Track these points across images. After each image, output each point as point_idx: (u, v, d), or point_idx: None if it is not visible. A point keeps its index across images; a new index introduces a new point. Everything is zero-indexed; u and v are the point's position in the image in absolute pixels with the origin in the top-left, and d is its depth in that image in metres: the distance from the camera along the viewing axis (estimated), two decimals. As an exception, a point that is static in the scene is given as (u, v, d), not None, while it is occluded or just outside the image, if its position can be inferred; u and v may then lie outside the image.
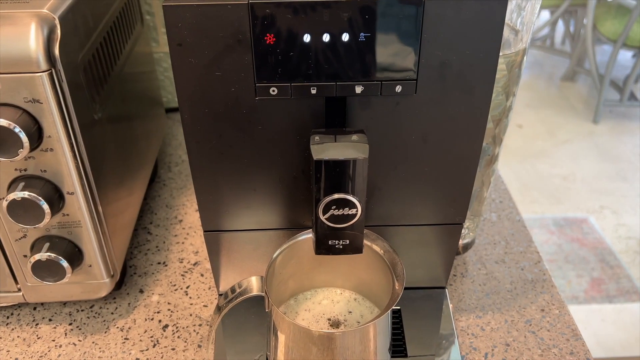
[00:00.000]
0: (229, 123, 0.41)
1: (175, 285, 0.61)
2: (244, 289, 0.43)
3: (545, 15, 3.26)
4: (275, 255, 0.44)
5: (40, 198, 0.45)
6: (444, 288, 0.55)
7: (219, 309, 0.44)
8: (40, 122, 0.43)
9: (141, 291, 0.60)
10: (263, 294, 0.42)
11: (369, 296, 0.51)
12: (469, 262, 0.64)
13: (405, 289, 0.54)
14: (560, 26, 3.26)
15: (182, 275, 0.62)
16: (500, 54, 0.48)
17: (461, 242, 0.62)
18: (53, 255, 0.48)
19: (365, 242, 0.45)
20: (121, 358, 0.53)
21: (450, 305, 0.56)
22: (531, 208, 2.23)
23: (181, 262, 0.64)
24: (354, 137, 0.38)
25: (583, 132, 2.73)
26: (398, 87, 0.38)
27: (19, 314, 0.57)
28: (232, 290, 0.44)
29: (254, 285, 0.43)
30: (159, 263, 0.64)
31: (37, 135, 0.43)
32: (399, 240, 0.49)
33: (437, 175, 0.45)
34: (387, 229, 0.48)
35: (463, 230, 0.61)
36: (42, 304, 0.58)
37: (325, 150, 0.37)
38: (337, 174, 0.37)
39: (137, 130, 0.64)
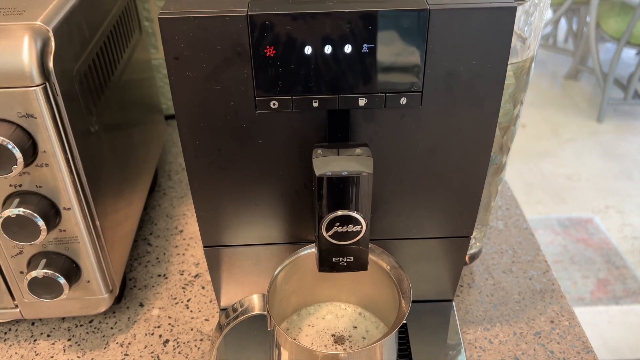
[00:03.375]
0: (228, 137, 0.39)
1: (175, 298, 0.60)
2: (245, 308, 0.42)
3: (548, 13, 3.24)
4: (277, 272, 0.43)
5: (35, 214, 0.44)
6: (451, 301, 0.54)
7: (220, 327, 0.42)
8: (34, 137, 0.42)
9: (141, 305, 0.59)
10: (265, 312, 0.41)
11: (374, 311, 0.50)
12: (475, 272, 0.62)
13: (413, 301, 0.53)
14: (563, 24, 3.24)
15: (183, 288, 0.61)
16: (508, 62, 0.47)
17: (468, 252, 0.61)
18: (50, 272, 0.47)
19: (371, 257, 0.44)
20: (121, 375, 0.52)
21: (457, 318, 0.55)
22: (536, 208, 2.22)
23: (182, 274, 0.62)
24: (358, 150, 0.37)
25: (587, 131, 2.71)
26: (403, 99, 0.37)
27: (16, 330, 0.56)
28: (234, 309, 0.42)
29: (256, 303, 0.42)
30: (159, 275, 0.62)
31: (31, 150, 0.42)
32: (405, 254, 0.48)
33: (444, 187, 0.43)
34: (393, 242, 0.47)
35: (470, 241, 0.60)
36: (40, 319, 0.57)
37: (328, 164, 0.36)
38: (341, 190, 0.36)
39: (136, 139, 0.63)
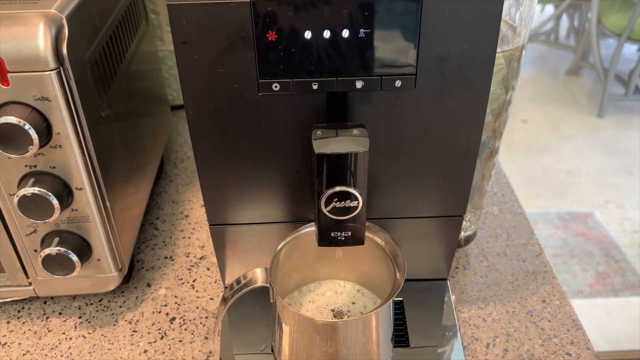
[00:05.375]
0: (233, 119, 0.42)
1: (182, 279, 0.62)
2: (248, 280, 0.44)
3: (550, 9, 3.25)
4: (279, 248, 0.45)
5: (49, 193, 0.46)
6: (445, 280, 0.56)
7: (224, 300, 0.45)
8: (49, 120, 0.44)
9: (149, 285, 0.61)
10: (267, 285, 0.43)
11: (372, 288, 0.52)
12: (471, 255, 0.64)
13: (407, 280, 0.55)
14: (565, 20, 3.25)
15: (189, 269, 0.63)
16: (499, 50, 0.49)
17: (463, 234, 0.63)
18: (63, 249, 0.49)
19: (367, 234, 0.46)
20: (130, 350, 0.54)
21: (452, 297, 0.57)
22: (536, 203, 2.23)
23: (187, 256, 0.65)
24: (355, 131, 0.39)
25: (588, 126, 2.72)
26: (398, 81, 0.39)
27: (29, 308, 0.59)
28: (237, 281, 0.45)
29: (259, 276, 0.44)
30: (166, 257, 0.65)
31: (46, 132, 0.44)
32: (400, 233, 0.50)
33: (437, 168, 0.45)
34: (389, 221, 0.49)
35: (465, 223, 0.62)
36: (52, 298, 0.60)
37: (327, 144, 0.38)
38: (339, 167, 0.38)
39: (144, 128, 0.65)
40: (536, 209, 2.19)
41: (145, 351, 0.54)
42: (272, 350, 0.49)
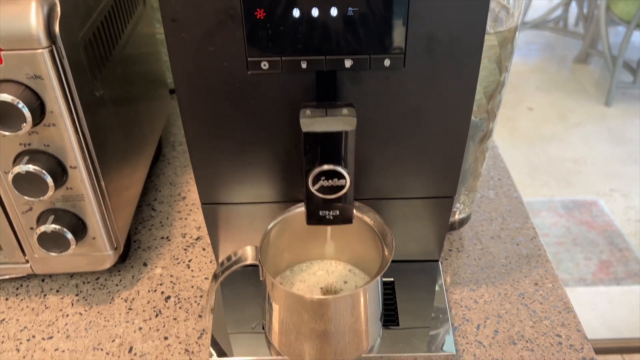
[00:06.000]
0: (223, 98, 0.42)
1: (177, 259, 0.63)
2: (238, 257, 0.45)
3: (559, -4, 3.21)
4: (269, 227, 0.46)
5: (44, 171, 0.47)
6: (437, 261, 0.57)
7: (215, 276, 0.45)
8: (42, 98, 0.45)
9: (145, 264, 0.62)
10: (257, 262, 0.44)
11: (363, 268, 0.53)
12: (465, 238, 0.65)
13: (399, 261, 0.56)
14: (574, 7, 3.21)
15: (185, 249, 0.64)
16: (492, 30, 0.49)
17: (457, 217, 0.63)
18: (58, 227, 0.50)
19: (356, 214, 0.47)
20: (125, 327, 0.55)
21: (444, 278, 0.57)
22: (541, 191, 2.23)
23: (184, 237, 0.66)
24: (344, 110, 0.40)
25: (595, 115, 2.70)
26: (387, 60, 0.39)
27: (27, 285, 0.60)
28: (228, 258, 0.45)
29: (249, 254, 0.45)
30: (163, 238, 0.65)
31: (39, 110, 0.45)
32: (391, 214, 0.50)
33: (427, 148, 0.46)
34: (380, 202, 0.49)
35: (458, 206, 0.62)
36: (50, 276, 0.61)
37: (315, 123, 0.39)
38: (326, 146, 0.38)
39: (141, 110, 0.66)
40: (540, 197, 2.18)
41: (140, 328, 0.55)
42: (263, 328, 0.50)
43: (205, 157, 0.46)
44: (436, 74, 0.41)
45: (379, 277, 0.43)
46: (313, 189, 0.40)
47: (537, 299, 0.58)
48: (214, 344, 0.49)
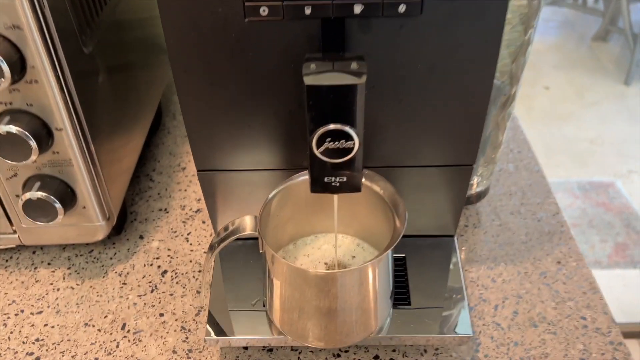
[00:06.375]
0: (217, 49, 0.38)
1: (175, 231, 0.59)
2: (236, 227, 0.41)
3: (579, -29, 3.10)
4: (270, 196, 0.42)
5: (26, 133, 0.43)
6: (452, 237, 0.52)
7: (211, 247, 0.42)
8: (22, 51, 0.41)
9: (141, 237, 0.59)
10: (256, 233, 0.40)
11: (372, 242, 0.49)
12: (482, 213, 0.60)
13: (411, 236, 0.52)
14: (594, -17, 3.10)
15: (184, 222, 0.60)
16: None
17: (474, 190, 0.59)
18: (44, 194, 0.47)
19: (365, 182, 0.42)
20: (119, 302, 0.52)
21: (460, 255, 0.53)
22: (556, 172, 2.17)
23: (183, 209, 0.62)
24: (354, 64, 0.35)
25: (613, 93, 2.62)
26: (402, 6, 0.35)
27: (17, 258, 0.57)
28: (225, 228, 0.42)
29: (248, 224, 0.41)
30: (160, 210, 0.62)
31: (19, 65, 0.41)
32: (404, 184, 0.46)
33: (445, 110, 0.41)
34: (391, 170, 0.45)
35: (476, 178, 0.58)
36: (41, 248, 0.58)
37: (320, 76, 0.34)
38: (332, 102, 0.34)
39: (137, 75, 0.62)
40: (556, 178, 2.12)
41: (135, 304, 0.52)
42: (264, 305, 0.46)
43: (199, 119, 0.41)
44: (457, 23, 0.36)
45: (389, 251, 0.39)
46: (317, 152, 0.36)
47: (560, 278, 0.54)
48: (211, 321, 0.46)
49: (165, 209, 0.62)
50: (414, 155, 0.44)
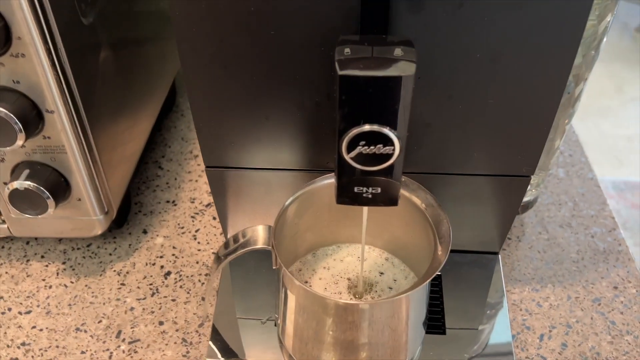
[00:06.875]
0: (232, 25, 0.31)
1: (183, 227, 0.53)
2: (247, 239, 0.35)
3: (626, -44, 2.93)
4: (287, 203, 0.36)
5: (10, 114, 0.37)
6: (496, 254, 0.46)
7: (218, 259, 0.36)
8: (6, 19, 0.35)
9: (145, 232, 0.53)
10: (270, 247, 0.34)
11: (403, 257, 0.42)
12: (527, 224, 0.53)
13: (451, 251, 0.45)
14: (641, -31, 2.93)
15: (192, 217, 0.55)
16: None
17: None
18: (32, 184, 0.41)
19: (403, 192, 0.36)
20: (114, 306, 0.47)
21: (503, 275, 0.46)
22: (601, 171, 2.06)
23: (192, 202, 0.56)
24: (398, 50, 0.28)
25: (656, 89, 2.48)
26: (463, -20, 0.28)
27: (10, 248, 0.52)
28: (235, 239, 0.36)
29: (260, 236, 0.35)
30: (168, 201, 0.56)
31: (3, 34, 0.35)
32: (446, 193, 0.39)
33: (504, 111, 0.34)
34: (433, 177, 0.38)
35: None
36: (35, 239, 0.52)
37: (356, 64, 0.27)
38: (370, 97, 0.27)
39: (147, 51, 0.55)
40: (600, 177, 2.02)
41: (132, 309, 0.47)
42: (276, 325, 0.40)
43: (209, 107, 0.35)
44: (532, 5, 0.29)
45: (428, 281, 0.32)
46: (347, 157, 0.29)
47: (616, 307, 0.47)
48: (215, 338, 0.40)
49: (174, 201, 0.56)
50: (461, 161, 0.37)
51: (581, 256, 0.51)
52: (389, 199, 0.31)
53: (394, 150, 0.29)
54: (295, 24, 0.31)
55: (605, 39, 0.42)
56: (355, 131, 0.28)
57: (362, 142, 0.29)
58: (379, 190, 0.31)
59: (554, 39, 0.30)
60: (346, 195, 0.32)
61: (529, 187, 0.51)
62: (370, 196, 0.31)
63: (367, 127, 0.28)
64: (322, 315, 0.33)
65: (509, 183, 0.38)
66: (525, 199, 0.52)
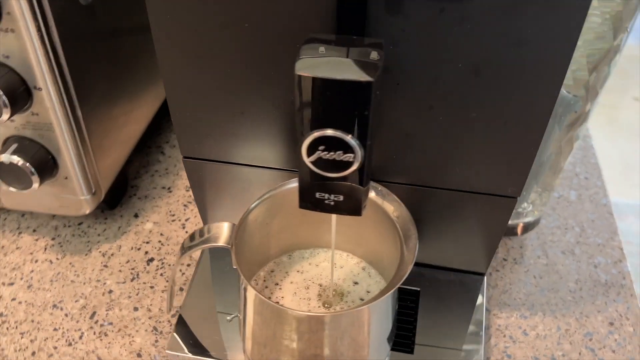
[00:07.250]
0: (207, 16, 0.30)
1: (174, 215, 0.53)
2: (209, 236, 0.34)
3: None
4: (253, 206, 0.35)
5: (-3, 88, 0.37)
6: (482, 275, 0.43)
7: (182, 249, 0.35)
8: (-6, -6, 0.35)
9: (136, 215, 0.53)
10: (229, 246, 0.33)
11: (380, 269, 0.40)
12: (527, 247, 0.51)
13: (432, 267, 0.43)
14: None
15: (185, 205, 0.54)
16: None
17: (521, 220, 0.49)
18: (19, 160, 0.41)
19: (377, 201, 0.34)
20: (94, 286, 0.47)
21: (487, 296, 0.44)
22: (631, 193, 1.97)
23: (188, 190, 0.56)
24: (365, 52, 0.27)
25: None
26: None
27: (5, 219, 0.53)
28: (201, 233, 0.35)
29: (224, 233, 0.34)
30: (164, 187, 0.56)
31: (-9, 9, 0.35)
32: (429, 207, 0.37)
33: (488, 126, 0.32)
34: (415, 190, 0.36)
35: (525, 206, 0.48)
36: (31, 213, 0.53)
37: (317, 64, 0.26)
38: (329, 100, 0.26)
39: (150, 37, 0.55)
40: (630, 199, 1.93)
41: (110, 292, 0.47)
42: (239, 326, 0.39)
43: (185, 99, 0.34)
44: (517, 11, 0.27)
45: (392, 291, 0.30)
46: (307, 161, 0.28)
47: (609, 344, 0.44)
48: (180, 330, 0.40)
49: (169, 188, 0.56)
50: (443, 175, 0.35)
51: (579, 286, 0.48)
52: (352, 208, 0.30)
53: (354, 157, 0.27)
54: (272, 20, 0.29)
55: (620, 52, 0.39)
56: (314, 135, 0.27)
57: (322, 147, 0.27)
58: (341, 198, 0.30)
59: (544, 51, 0.28)
60: (308, 200, 0.30)
61: (531, 207, 0.48)
62: (332, 203, 0.30)
63: (329, 132, 0.27)
64: (275, 322, 0.32)
65: (494, 203, 0.36)
66: (526, 219, 0.49)
